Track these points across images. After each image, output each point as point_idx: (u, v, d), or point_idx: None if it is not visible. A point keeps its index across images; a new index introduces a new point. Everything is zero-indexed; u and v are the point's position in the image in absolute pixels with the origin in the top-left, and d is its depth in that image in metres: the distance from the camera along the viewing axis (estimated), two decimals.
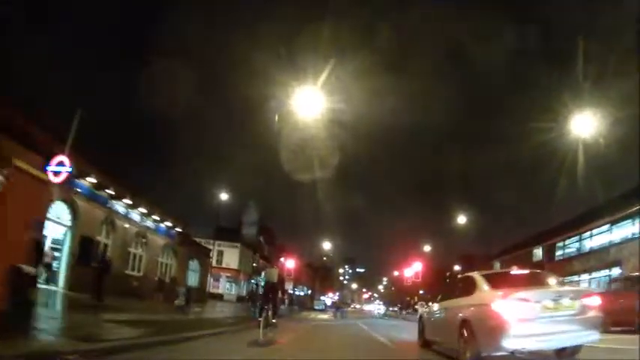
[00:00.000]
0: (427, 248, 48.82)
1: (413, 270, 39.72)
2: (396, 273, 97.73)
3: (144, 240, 24.48)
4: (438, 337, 8.72)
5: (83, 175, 18.51)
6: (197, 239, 37.28)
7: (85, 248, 18.90)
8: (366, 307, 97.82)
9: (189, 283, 31.14)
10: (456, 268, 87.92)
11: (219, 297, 46.61)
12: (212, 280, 52.34)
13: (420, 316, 10.71)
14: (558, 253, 29.54)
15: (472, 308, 6.70)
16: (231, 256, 51.05)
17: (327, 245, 54.00)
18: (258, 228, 58.78)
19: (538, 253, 48.42)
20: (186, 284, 22.25)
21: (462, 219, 34.89)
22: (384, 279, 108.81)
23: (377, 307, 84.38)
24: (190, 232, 30.29)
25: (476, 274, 7.56)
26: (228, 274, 51.13)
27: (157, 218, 24.97)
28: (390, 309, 71.02)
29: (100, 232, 20.77)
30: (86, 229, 19.35)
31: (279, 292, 13.89)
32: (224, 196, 36.89)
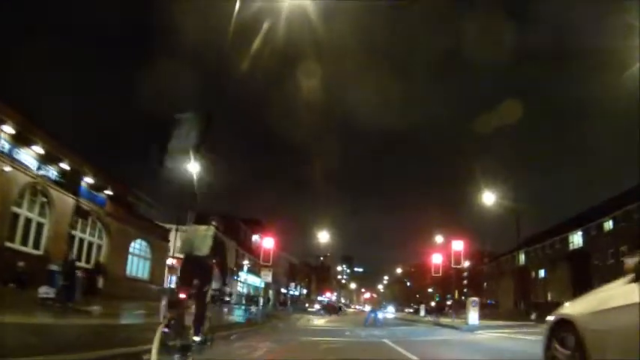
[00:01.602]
0: (439, 239, 41.17)
1: (441, 254, 29.42)
2: (398, 270, 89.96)
3: (45, 199, 15.99)
4: None
5: None
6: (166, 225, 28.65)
7: None
8: (369, 308, 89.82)
9: (135, 273, 22.60)
10: (466, 264, 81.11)
11: None
12: None
13: (568, 322, 3.78)
14: None
15: None
16: None
17: (323, 237, 45.64)
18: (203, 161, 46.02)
19: (577, 238, 40.96)
20: (97, 267, 13.71)
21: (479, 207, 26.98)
22: (385, 277, 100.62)
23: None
24: (134, 198, 21.68)
25: None
26: None
27: (68, 168, 16.32)
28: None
29: None
30: None
31: (219, 277, 5.54)
32: (194, 168, 28.56)
